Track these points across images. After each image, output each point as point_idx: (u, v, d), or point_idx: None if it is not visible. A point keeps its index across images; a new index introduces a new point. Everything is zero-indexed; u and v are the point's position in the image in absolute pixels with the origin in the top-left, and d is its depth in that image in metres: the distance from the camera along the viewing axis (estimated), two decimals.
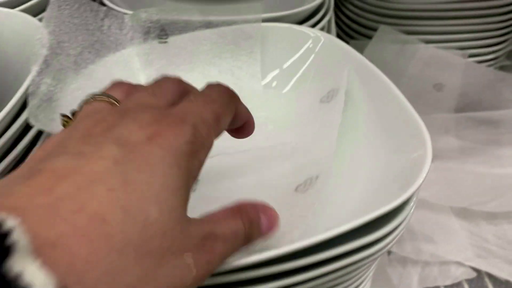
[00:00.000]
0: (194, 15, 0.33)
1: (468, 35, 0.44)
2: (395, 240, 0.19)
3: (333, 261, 0.17)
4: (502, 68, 0.49)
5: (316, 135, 0.28)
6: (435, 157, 0.44)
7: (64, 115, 0.17)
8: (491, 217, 0.40)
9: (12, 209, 0.11)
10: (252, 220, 0.16)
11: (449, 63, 0.45)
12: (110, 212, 0.12)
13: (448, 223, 0.40)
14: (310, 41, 0.31)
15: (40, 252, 0.10)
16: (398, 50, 0.44)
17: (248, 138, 0.23)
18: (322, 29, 0.36)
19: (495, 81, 0.45)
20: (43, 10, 0.32)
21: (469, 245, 0.38)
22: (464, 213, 0.40)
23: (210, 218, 0.15)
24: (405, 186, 0.18)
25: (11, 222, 0.09)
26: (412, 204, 0.19)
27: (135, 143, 0.13)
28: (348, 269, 0.18)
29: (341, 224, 0.16)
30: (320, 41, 0.31)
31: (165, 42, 0.33)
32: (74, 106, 0.18)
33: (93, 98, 0.16)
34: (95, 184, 0.12)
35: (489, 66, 0.47)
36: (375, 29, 0.44)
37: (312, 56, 0.31)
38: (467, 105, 0.45)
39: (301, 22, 0.35)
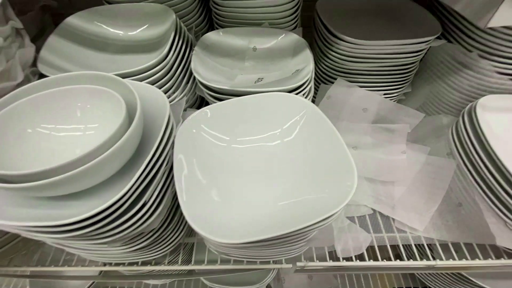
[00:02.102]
0: None
1: (381, 83, 0.50)
2: (333, 218, 0.26)
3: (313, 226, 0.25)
4: (399, 100, 0.54)
5: None
6: (359, 147, 0.51)
7: None
8: (383, 182, 0.46)
9: None
10: None
11: (371, 98, 0.49)
12: None
13: (362, 185, 0.46)
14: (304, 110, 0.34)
15: None
16: (345, 90, 0.48)
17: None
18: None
19: (395, 108, 0.51)
20: None
21: (371, 196, 0.45)
22: (370, 180, 0.46)
23: None
24: (343, 198, 0.25)
25: None
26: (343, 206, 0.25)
27: None
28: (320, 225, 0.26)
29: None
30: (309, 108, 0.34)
31: None
32: None
33: None
34: None
35: (393, 98, 0.52)
36: (335, 78, 0.49)
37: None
38: (379, 120, 0.51)
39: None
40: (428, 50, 0.49)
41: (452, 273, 0.52)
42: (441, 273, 0.54)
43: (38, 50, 0.39)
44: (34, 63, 0.38)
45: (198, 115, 0.34)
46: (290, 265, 0.41)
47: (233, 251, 0.33)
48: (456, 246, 0.43)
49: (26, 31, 0.39)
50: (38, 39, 0.46)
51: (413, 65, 0.49)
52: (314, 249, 0.43)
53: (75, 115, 0.31)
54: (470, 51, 0.45)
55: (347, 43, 0.44)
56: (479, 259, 0.40)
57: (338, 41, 0.44)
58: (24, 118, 0.29)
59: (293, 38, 0.44)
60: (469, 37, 0.44)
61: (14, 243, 0.40)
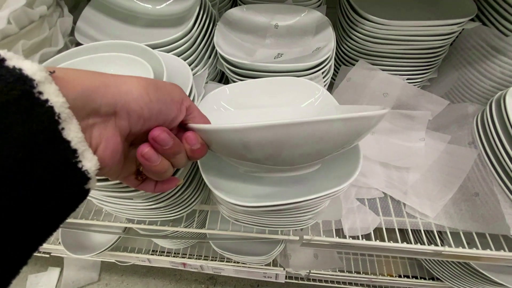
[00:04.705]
0: None
1: (406, 67, 0.48)
2: (344, 189, 0.27)
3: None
4: (424, 86, 0.53)
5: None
6: (375, 132, 0.51)
7: None
8: (397, 168, 0.46)
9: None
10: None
11: (394, 82, 0.48)
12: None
13: (375, 169, 0.46)
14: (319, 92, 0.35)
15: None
16: (367, 73, 0.48)
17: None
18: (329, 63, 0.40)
19: (417, 94, 0.49)
20: None
21: (383, 180, 0.45)
22: (384, 164, 0.46)
23: None
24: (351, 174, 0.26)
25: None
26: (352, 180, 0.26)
27: None
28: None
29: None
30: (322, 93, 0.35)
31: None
32: None
33: None
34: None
35: (416, 84, 0.51)
36: (357, 61, 0.49)
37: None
38: (399, 106, 0.50)
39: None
40: (459, 33, 0.47)
41: (461, 264, 0.52)
42: (450, 263, 0.54)
43: (74, 22, 0.42)
44: (71, 33, 0.41)
45: (219, 92, 0.35)
46: (297, 237, 0.43)
47: (244, 216, 0.35)
48: (469, 238, 0.42)
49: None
50: (73, 12, 0.49)
51: (442, 49, 0.47)
52: (321, 225, 0.44)
53: None
54: (506, 35, 0.42)
55: (371, 23, 0.43)
56: (491, 249, 0.40)
57: (363, 20, 0.43)
58: None
59: (315, 15, 0.44)
60: (507, 19, 0.41)
61: None
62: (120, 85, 0.15)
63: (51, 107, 0.11)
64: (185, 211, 0.41)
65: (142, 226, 0.46)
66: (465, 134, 0.45)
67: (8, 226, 0.10)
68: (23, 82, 0.10)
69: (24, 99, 0.10)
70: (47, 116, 0.11)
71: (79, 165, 0.13)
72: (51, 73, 0.12)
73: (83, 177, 0.13)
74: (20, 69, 0.11)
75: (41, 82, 0.11)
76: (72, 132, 0.12)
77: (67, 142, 0.12)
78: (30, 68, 0.11)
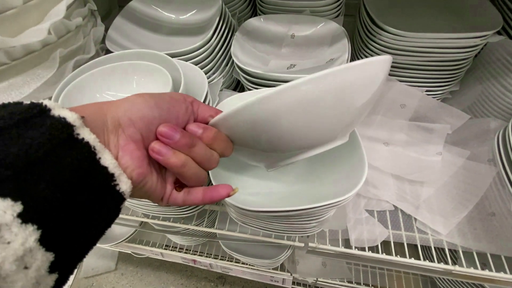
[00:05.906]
0: None
1: (425, 79, 0.47)
2: (348, 200, 0.28)
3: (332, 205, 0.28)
4: (444, 99, 0.52)
5: None
6: (390, 143, 0.50)
7: None
8: (411, 182, 0.45)
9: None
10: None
11: (412, 93, 0.47)
12: None
13: (387, 181, 0.46)
14: None
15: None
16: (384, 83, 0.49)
17: None
18: None
19: (437, 107, 0.48)
20: None
21: (395, 193, 0.45)
22: (397, 177, 0.46)
23: None
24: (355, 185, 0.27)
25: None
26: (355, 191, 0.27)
27: None
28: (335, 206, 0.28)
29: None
30: None
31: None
32: None
33: None
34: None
35: (436, 96, 0.49)
36: None
37: None
38: (417, 118, 0.49)
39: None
40: (484, 45, 0.46)
41: (475, 285, 0.50)
42: (464, 283, 0.52)
43: (105, 30, 0.46)
44: (102, 40, 0.46)
45: (233, 99, 0.38)
46: (303, 244, 0.44)
47: (250, 219, 0.37)
48: (484, 258, 0.41)
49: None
50: (105, 19, 0.54)
51: (465, 61, 0.46)
52: (328, 234, 0.45)
53: (132, 86, 0.38)
54: None
55: (390, 34, 0.43)
56: (505, 273, 0.38)
57: (380, 31, 0.43)
58: (95, 85, 0.37)
59: (332, 26, 0.45)
60: None
61: None
62: (115, 102, 0.18)
63: (87, 142, 0.15)
64: (195, 210, 0.44)
65: (156, 221, 0.49)
66: (485, 150, 0.44)
67: (65, 236, 0.13)
68: (68, 127, 0.14)
69: (69, 139, 0.14)
70: (86, 149, 0.15)
71: (117, 188, 0.16)
72: (82, 117, 0.16)
73: (120, 198, 0.16)
74: (64, 118, 0.14)
75: (78, 126, 0.15)
76: (107, 160, 0.16)
77: (105, 168, 0.15)
78: (71, 116, 0.15)
